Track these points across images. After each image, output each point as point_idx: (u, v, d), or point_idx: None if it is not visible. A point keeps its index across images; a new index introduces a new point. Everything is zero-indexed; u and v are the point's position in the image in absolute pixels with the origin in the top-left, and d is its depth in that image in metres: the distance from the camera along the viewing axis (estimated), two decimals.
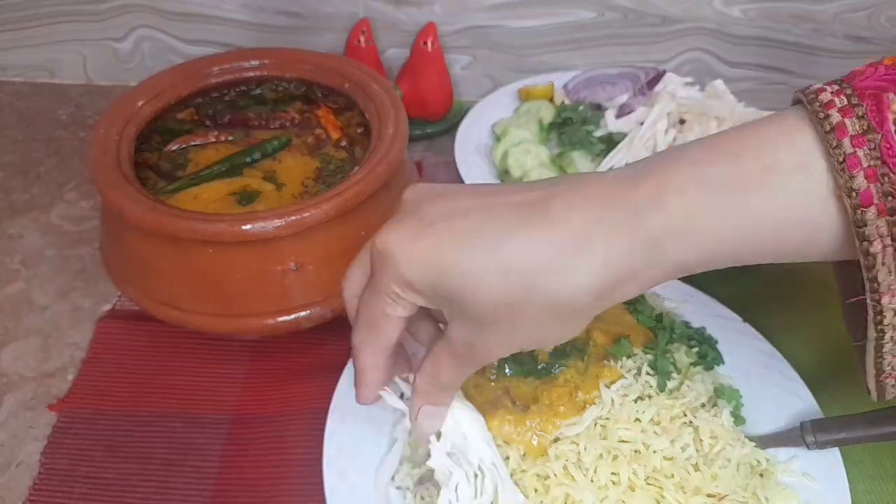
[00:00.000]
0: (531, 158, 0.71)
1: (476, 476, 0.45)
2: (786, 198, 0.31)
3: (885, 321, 0.31)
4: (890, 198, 0.29)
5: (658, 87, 0.76)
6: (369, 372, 0.40)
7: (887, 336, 0.32)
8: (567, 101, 0.79)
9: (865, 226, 0.30)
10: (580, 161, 0.72)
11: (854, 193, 0.29)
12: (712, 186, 0.32)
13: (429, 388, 0.40)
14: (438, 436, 0.42)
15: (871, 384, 0.35)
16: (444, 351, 0.38)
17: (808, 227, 0.31)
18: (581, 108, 0.77)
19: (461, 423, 0.47)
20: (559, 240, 0.32)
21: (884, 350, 0.33)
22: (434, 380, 0.39)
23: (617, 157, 0.72)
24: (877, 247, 0.30)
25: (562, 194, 0.34)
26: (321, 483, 0.47)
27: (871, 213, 0.29)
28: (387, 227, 0.36)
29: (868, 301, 0.31)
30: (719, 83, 0.77)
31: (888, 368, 0.33)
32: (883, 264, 0.30)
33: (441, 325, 0.42)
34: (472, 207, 0.35)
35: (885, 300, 0.31)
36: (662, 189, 0.32)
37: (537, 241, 0.33)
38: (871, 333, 0.32)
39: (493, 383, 0.49)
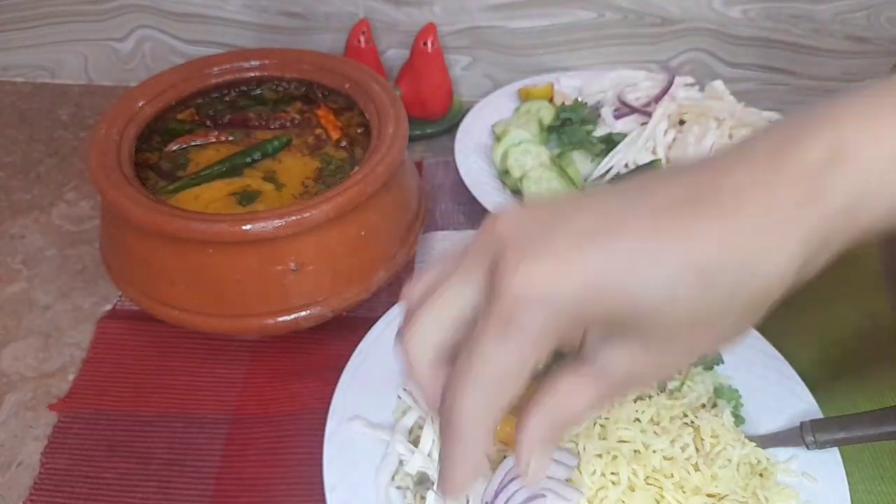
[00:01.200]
0: (531, 158, 0.71)
1: None
2: None
3: None
4: None
5: None
6: (482, 444, 0.32)
7: None
8: (567, 102, 0.79)
9: None
10: (580, 161, 0.72)
11: None
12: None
13: (546, 430, 0.32)
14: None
15: None
16: (584, 381, 0.31)
17: None
18: (580, 108, 0.77)
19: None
20: (746, 228, 0.28)
21: None
22: (560, 416, 0.31)
23: (617, 158, 0.72)
24: None
25: (723, 177, 0.29)
26: (321, 483, 0.47)
27: None
28: (515, 267, 0.28)
29: None
30: (719, 84, 0.77)
31: None
32: None
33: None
34: (618, 213, 0.29)
35: None
36: (839, 150, 0.28)
37: (726, 233, 0.28)
38: None
39: None
